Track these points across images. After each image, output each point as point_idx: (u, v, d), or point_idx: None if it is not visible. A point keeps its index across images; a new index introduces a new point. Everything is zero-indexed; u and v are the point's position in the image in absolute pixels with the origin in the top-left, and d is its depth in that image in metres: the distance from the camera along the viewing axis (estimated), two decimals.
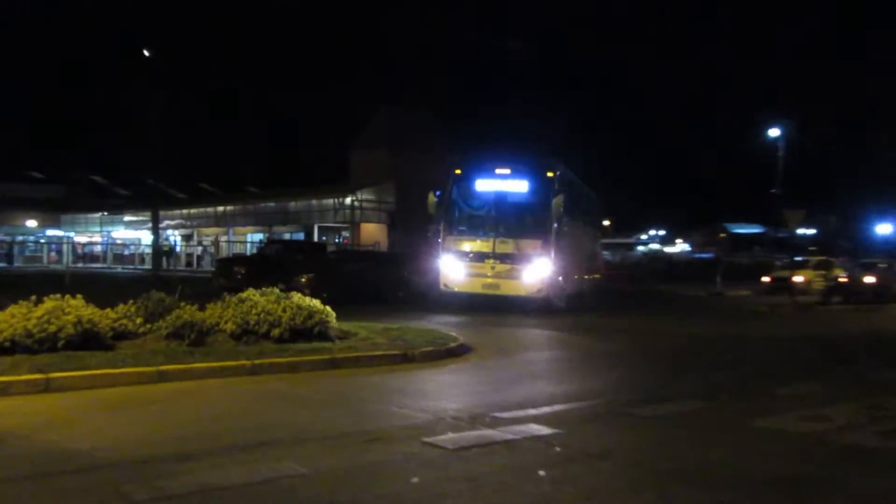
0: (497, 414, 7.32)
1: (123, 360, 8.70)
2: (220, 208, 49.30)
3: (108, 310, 9.97)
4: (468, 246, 19.41)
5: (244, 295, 11.19)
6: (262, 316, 10.50)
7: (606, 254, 56.77)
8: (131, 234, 54.88)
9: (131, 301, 10.73)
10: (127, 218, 54.64)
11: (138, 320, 10.13)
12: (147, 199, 38.28)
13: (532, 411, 7.49)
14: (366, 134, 44.98)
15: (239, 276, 20.77)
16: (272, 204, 46.85)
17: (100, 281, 28.52)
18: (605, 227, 27.40)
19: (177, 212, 51.97)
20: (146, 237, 50.89)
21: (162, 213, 40.73)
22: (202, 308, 10.78)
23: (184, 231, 52.46)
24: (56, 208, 56.98)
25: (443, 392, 8.81)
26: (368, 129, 45.17)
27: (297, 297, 11.13)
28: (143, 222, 50.84)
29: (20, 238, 53.48)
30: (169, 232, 51.44)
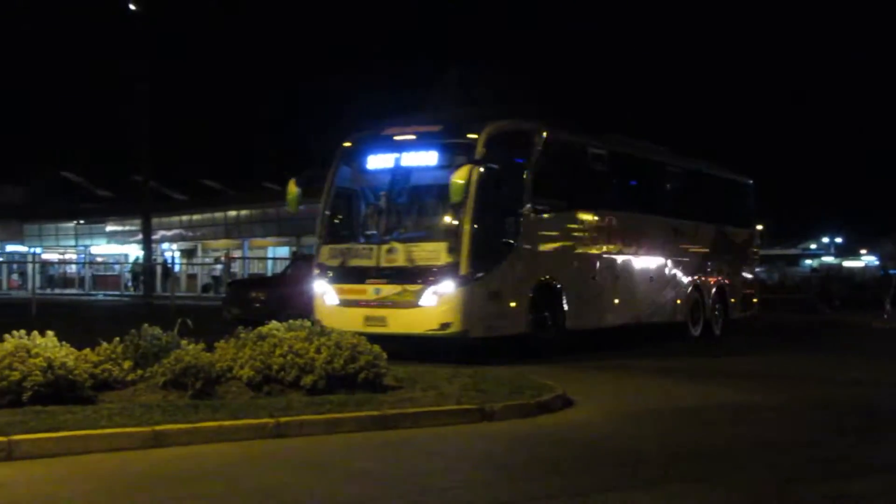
0: None
1: (108, 418, 8.91)
2: (233, 213, 50.11)
3: (86, 351, 10.24)
4: (344, 259, 16.74)
5: (265, 330, 11.36)
6: (288, 358, 10.65)
7: (760, 270, 55.78)
8: (115, 248, 56.25)
9: (117, 339, 10.99)
10: (109, 228, 55.94)
11: (126, 364, 10.37)
12: (135, 201, 39.15)
13: None
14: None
15: (257, 305, 21.10)
16: (301, 207, 47.42)
17: (76, 312, 29.39)
18: (754, 232, 26.67)
19: (175, 218, 53.00)
20: (135, 252, 52.04)
21: (156, 220, 41.54)
22: (210, 348, 10.98)
23: (184, 244, 53.56)
24: (17, 216, 58.44)
25: (534, 468, 8.76)
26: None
27: (336, 334, 11.25)
28: (131, 233, 51.94)
29: None
30: (164, 246, 52.57)
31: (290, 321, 11.83)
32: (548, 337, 16.92)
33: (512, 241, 16.14)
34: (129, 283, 52.11)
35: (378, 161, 16.93)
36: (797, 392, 13.69)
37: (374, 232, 16.35)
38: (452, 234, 15.38)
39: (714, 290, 22.76)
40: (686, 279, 21.67)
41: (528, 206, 16.46)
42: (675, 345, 20.55)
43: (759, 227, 27.11)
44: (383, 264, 15.91)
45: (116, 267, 54.28)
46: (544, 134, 17.41)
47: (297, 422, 9.43)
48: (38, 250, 57.47)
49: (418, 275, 15.45)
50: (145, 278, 44.97)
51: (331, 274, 16.71)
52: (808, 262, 71.18)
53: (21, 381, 9.22)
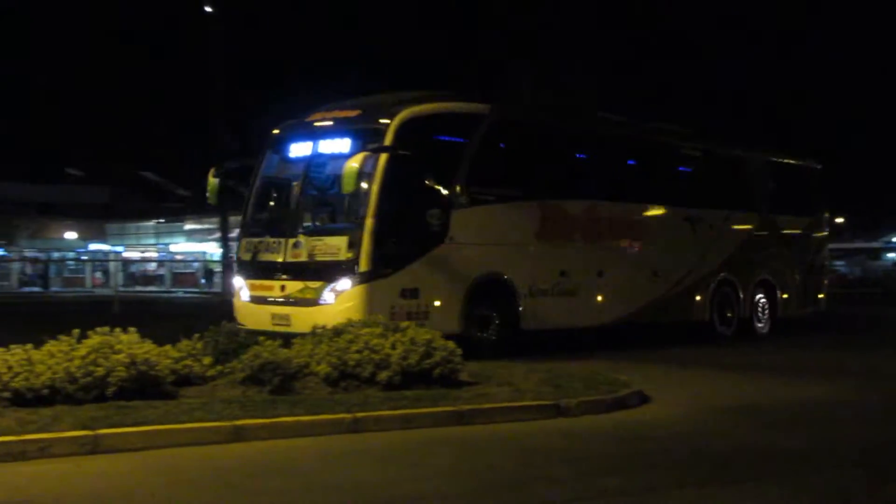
0: None
1: (190, 413, 9.11)
2: None
3: (167, 347, 10.44)
4: (255, 253, 15.71)
5: (341, 326, 11.48)
6: (364, 354, 10.74)
7: (841, 264, 54.55)
8: (194, 246, 57.12)
9: (197, 336, 11.21)
10: (188, 226, 56.83)
11: (206, 361, 10.56)
12: None
13: None
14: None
15: None
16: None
17: (156, 309, 29.96)
18: (819, 221, 23.55)
19: None
20: (213, 250, 52.80)
21: (233, 218, 42.03)
22: (287, 344, 11.13)
23: None
24: (99, 215, 59.70)
25: (610, 464, 8.72)
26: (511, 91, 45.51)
27: (411, 328, 11.33)
28: (209, 231, 52.71)
29: (57, 255, 56.43)
30: None
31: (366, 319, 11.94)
32: (491, 338, 15.37)
33: (438, 234, 14.68)
34: (202, 281, 52.86)
35: (297, 149, 15.82)
36: (867, 389, 13.38)
37: (286, 225, 15.36)
38: (355, 228, 14.08)
39: (755, 284, 20.60)
40: (707, 274, 19.45)
41: (463, 195, 15.03)
42: (706, 346, 18.62)
43: (840, 220, 25.55)
44: (289, 259, 14.90)
45: (195, 265, 55.06)
46: (488, 116, 15.89)
47: (374, 417, 9.52)
48: (120, 249, 58.53)
49: (320, 271, 14.36)
50: (220, 275, 45.66)
51: (245, 269, 15.95)
52: (893, 255, 69.14)
53: (105, 377, 9.45)
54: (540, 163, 16.81)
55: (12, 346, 9.76)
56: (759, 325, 20.97)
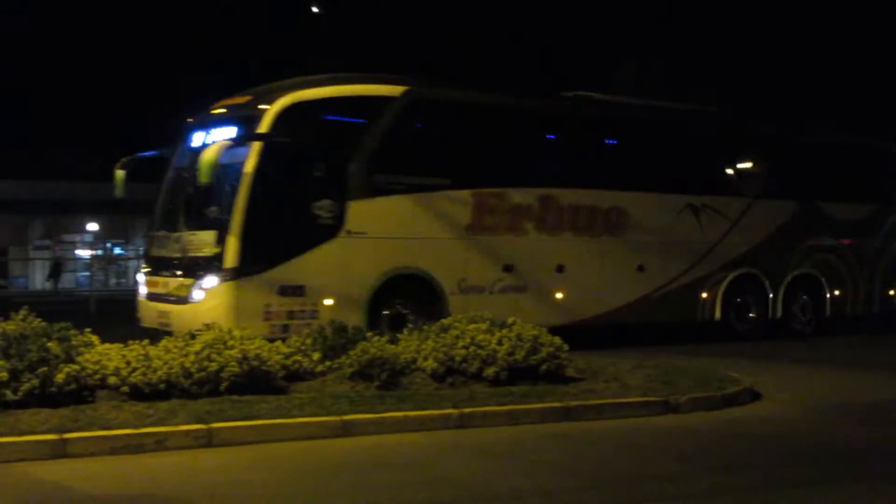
0: None
1: (300, 408, 9.29)
2: None
3: (278, 343, 10.64)
4: (150, 247, 15.22)
5: (448, 322, 11.54)
6: (471, 350, 10.78)
7: None
8: None
9: (306, 332, 11.40)
10: None
11: (315, 356, 10.73)
12: None
13: None
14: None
15: None
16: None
17: None
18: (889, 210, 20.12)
19: None
20: None
21: None
22: (394, 339, 11.25)
23: None
24: None
25: (720, 461, 8.59)
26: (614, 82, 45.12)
27: (517, 325, 11.33)
28: None
29: None
30: None
31: (472, 313, 11.97)
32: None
33: (330, 227, 13.57)
34: None
35: (195, 139, 14.56)
36: None
37: (175, 219, 14.66)
38: (224, 221, 13.14)
39: (791, 280, 18.12)
40: (718, 268, 17.34)
41: (364, 185, 13.85)
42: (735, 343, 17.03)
43: None
44: (172, 255, 14.22)
45: None
46: (400, 98, 14.32)
47: (481, 413, 9.56)
48: None
49: (192, 267, 13.54)
50: None
51: (144, 264, 15.46)
52: None
53: (218, 372, 9.69)
54: (473, 148, 15.09)
55: (131, 343, 10.09)
56: (798, 325, 18.50)
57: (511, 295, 14.84)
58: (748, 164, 17.95)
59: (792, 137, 19.21)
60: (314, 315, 13.18)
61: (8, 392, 8.83)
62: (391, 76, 14.50)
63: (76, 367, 9.25)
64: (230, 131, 13.53)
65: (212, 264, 12.90)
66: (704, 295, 17.09)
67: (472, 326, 11.23)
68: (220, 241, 12.85)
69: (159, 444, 8.28)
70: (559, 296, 15.38)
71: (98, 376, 9.42)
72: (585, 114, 16.60)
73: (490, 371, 10.66)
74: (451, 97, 14.96)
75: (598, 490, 7.21)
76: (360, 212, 13.67)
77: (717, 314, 17.21)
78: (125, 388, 9.42)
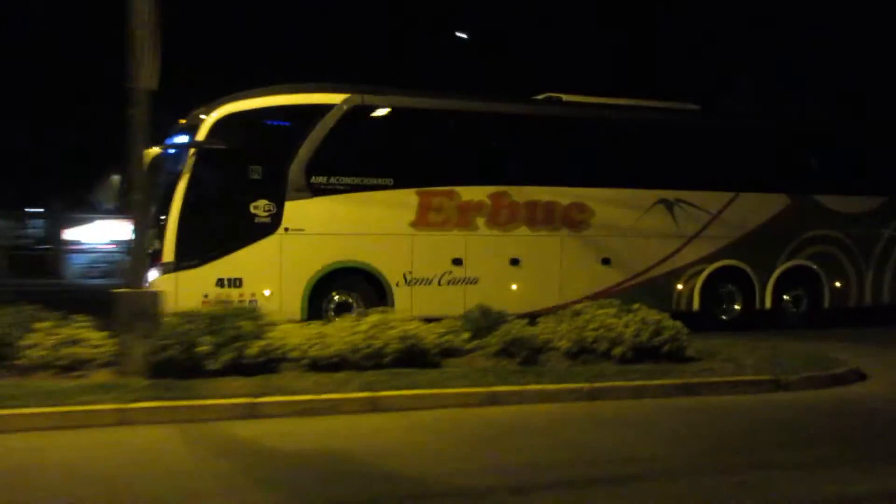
0: None
1: (452, 380, 9.49)
2: None
3: (433, 324, 10.86)
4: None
5: (580, 308, 11.56)
6: (600, 332, 10.78)
7: None
8: None
9: (457, 315, 11.59)
10: None
11: (465, 336, 10.89)
12: None
13: None
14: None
15: None
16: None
17: None
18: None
19: None
20: None
21: None
22: (533, 322, 11.34)
23: None
24: None
25: (825, 434, 8.38)
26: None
27: (642, 309, 11.27)
28: None
29: None
30: None
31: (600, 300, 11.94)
32: None
33: (267, 224, 12.93)
34: None
35: (171, 145, 13.80)
36: None
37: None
38: (163, 221, 12.74)
39: (783, 272, 16.09)
40: (696, 261, 15.56)
41: (302, 185, 13.16)
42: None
43: None
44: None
45: None
46: (341, 105, 13.47)
47: (609, 387, 9.58)
48: None
49: (147, 262, 12.51)
50: None
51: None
52: None
53: (382, 348, 9.97)
54: (417, 149, 14.21)
55: (311, 322, 10.46)
56: (786, 316, 16.38)
57: (461, 286, 14.00)
58: (730, 160, 16.06)
59: (780, 131, 17.10)
60: (253, 304, 12.51)
61: (210, 362, 9.33)
62: (333, 84, 13.70)
63: (265, 342, 9.68)
64: (182, 139, 13.20)
65: (155, 259, 12.58)
66: (680, 286, 15.47)
67: (601, 311, 11.21)
68: (161, 238, 12.57)
69: (333, 408, 8.60)
70: (514, 287, 14.30)
71: (282, 351, 9.83)
72: (540, 114, 15.15)
73: (618, 350, 10.65)
74: (391, 103, 13.96)
75: (716, 457, 7.17)
76: (298, 210, 13.08)
77: (696, 305, 15.52)
78: (305, 361, 9.80)
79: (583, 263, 14.73)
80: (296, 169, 13.07)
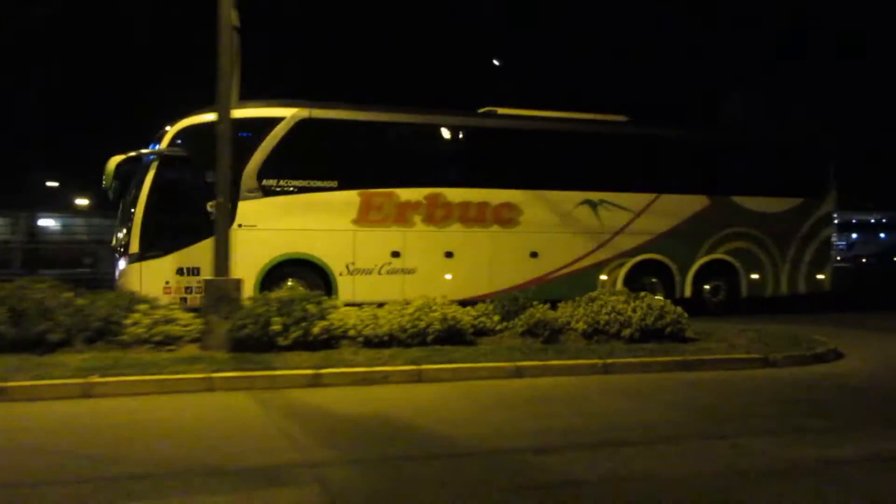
0: None
1: (484, 356, 9.48)
2: None
3: (468, 308, 10.86)
4: None
5: (594, 294, 11.50)
6: (612, 316, 10.73)
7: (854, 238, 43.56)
8: None
9: (489, 300, 11.58)
10: None
11: (495, 318, 10.88)
12: None
13: None
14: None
15: None
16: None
17: None
18: (828, 202, 16.67)
19: None
20: None
21: None
22: (553, 307, 11.30)
23: None
24: None
25: (807, 405, 8.25)
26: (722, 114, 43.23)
27: (648, 297, 11.19)
28: None
29: None
30: None
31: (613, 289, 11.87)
32: None
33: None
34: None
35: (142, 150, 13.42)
36: None
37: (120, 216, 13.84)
38: (131, 218, 12.69)
39: (702, 265, 15.50)
40: (618, 255, 14.99)
41: (253, 187, 12.93)
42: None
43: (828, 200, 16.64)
44: (116, 243, 13.67)
45: None
46: (289, 118, 13.22)
47: (620, 363, 9.51)
48: None
49: (120, 253, 13.08)
50: None
51: None
52: None
53: (426, 328, 9.99)
54: (359, 156, 13.88)
55: (364, 306, 10.51)
56: (706, 304, 15.58)
57: (400, 276, 13.70)
58: (652, 165, 15.56)
59: (700, 140, 16.48)
60: None
61: (280, 339, 9.40)
62: (283, 101, 13.47)
63: (327, 322, 9.74)
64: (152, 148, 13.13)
65: (123, 250, 12.70)
66: (604, 277, 14.91)
67: (612, 298, 11.14)
68: (129, 233, 12.59)
69: (384, 378, 8.63)
70: (449, 277, 13.93)
71: (341, 330, 9.88)
72: (471, 125, 14.74)
73: (626, 332, 10.59)
74: (335, 116, 13.69)
75: (712, 423, 7.11)
76: (251, 209, 12.92)
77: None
78: (360, 339, 9.85)
79: (512, 256, 14.33)
80: (248, 173, 12.90)
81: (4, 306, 9.28)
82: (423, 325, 10.01)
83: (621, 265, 15.07)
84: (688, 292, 15.35)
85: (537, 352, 9.83)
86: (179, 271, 12.57)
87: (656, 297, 11.24)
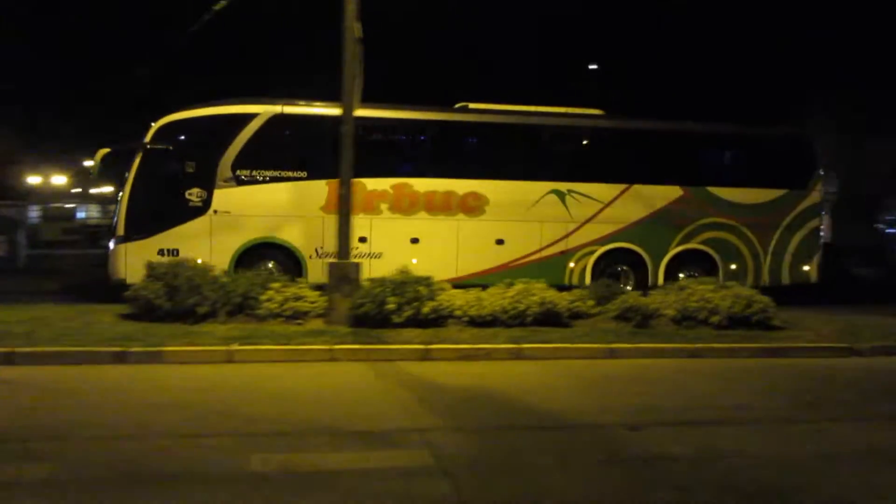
0: None
1: (579, 337, 9.37)
2: None
3: (564, 293, 10.76)
4: None
5: (683, 283, 11.18)
6: (700, 303, 10.40)
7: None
8: None
9: (585, 285, 11.44)
10: None
11: (590, 303, 10.73)
12: None
13: None
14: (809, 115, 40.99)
15: None
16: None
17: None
18: (813, 192, 14.74)
19: None
20: None
21: None
22: (645, 294, 11.05)
23: None
24: None
25: (891, 392, 7.79)
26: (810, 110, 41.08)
27: (736, 286, 10.79)
28: None
29: None
30: None
31: (701, 277, 11.51)
32: None
33: (199, 207, 12.70)
34: None
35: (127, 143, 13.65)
36: None
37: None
38: (120, 203, 12.76)
39: (676, 255, 14.17)
40: (588, 243, 13.84)
41: (228, 177, 12.73)
42: None
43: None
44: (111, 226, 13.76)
45: None
46: (260, 114, 13.00)
47: (708, 348, 9.22)
48: None
49: (110, 234, 13.21)
50: None
51: None
52: None
53: (525, 311, 9.95)
54: (327, 148, 12.92)
55: (469, 289, 10.56)
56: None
57: (367, 259, 13.10)
58: (621, 156, 14.27)
59: (673, 132, 14.93)
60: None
61: (394, 317, 9.56)
62: (256, 98, 13.30)
63: (436, 303, 9.83)
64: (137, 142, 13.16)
65: (112, 233, 12.82)
66: (572, 265, 13.81)
67: (701, 287, 10.80)
68: (116, 216, 12.74)
69: (487, 355, 8.65)
70: (414, 262, 12.94)
71: (448, 310, 9.95)
72: (436, 119, 14.05)
73: (715, 319, 10.24)
74: (304, 111, 13.37)
75: (798, 407, 6.83)
76: (225, 196, 12.75)
77: (588, 280, 13.67)
78: (465, 319, 9.91)
79: (478, 243, 13.49)
80: (224, 164, 12.81)
81: (161, 282, 9.80)
82: (522, 307, 9.97)
83: (591, 253, 13.95)
84: (661, 280, 14.02)
85: (629, 335, 9.65)
86: (160, 252, 12.53)
87: (742, 286, 10.77)
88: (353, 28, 9.96)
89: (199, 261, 11.90)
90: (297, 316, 9.80)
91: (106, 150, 12.90)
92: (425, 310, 9.68)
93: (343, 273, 9.93)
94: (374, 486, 4.61)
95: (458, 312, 9.95)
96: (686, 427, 6.02)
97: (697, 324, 10.32)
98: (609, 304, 10.64)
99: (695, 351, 9.12)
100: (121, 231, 12.57)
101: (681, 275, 14.18)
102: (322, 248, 13.09)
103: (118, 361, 7.93)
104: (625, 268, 14.15)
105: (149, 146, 12.60)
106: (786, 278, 14.80)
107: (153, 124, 12.90)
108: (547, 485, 4.70)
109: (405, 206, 13.52)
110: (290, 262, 12.94)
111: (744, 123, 15.34)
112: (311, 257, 13.03)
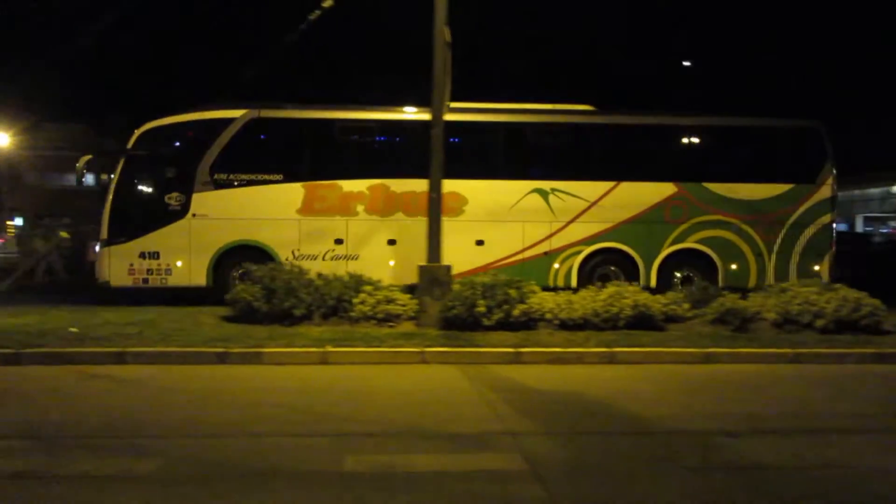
0: None
1: (674, 341, 9.17)
2: None
3: (658, 296, 10.54)
4: None
5: (786, 285, 10.77)
6: (804, 306, 10.00)
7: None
8: None
9: (679, 288, 11.15)
10: None
11: (685, 306, 10.49)
12: None
13: None
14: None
15: None
16: None
17: None
18: (822, 187, 13.40)
19: None
20: None
21: None
22: (744, 297, 10.70)
23: None
24: None
25: None
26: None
27: (843, 288, 10.30)
28: None
29: None
30: None
31: (804, 279, 11.04)
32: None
33: (178, 211, 12.86)
34: None
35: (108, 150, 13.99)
36: None
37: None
38: (104, 207, 12.90)
39: (670, 255, 13.40)
40: (574, 243, 13.30)
41: (206, 181, 12.85)
42: None
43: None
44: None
45: None
46: (239, 119, 13.01)
47: (812, 353, 8.86)
48: None
49: (95, 238, 13.41)
50: None
51: None
52: None
53: (617, 314, 9.82)
54: (303, 151, 13.31)
55: (559, 291, 10.47)
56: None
57: (344, 261, 13.04)
58: (609, 153, 13.58)
59: (665, 126, 14.05)
60: (169, 272, 12.90)
61: (485, 319, 9.61)
62: (234, 103, 13.31)
63: (526, 306, 9.82)
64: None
65: (98, 237, 13.02)
66: (557, 266, 13.34)
67: (804, 289, 10.39)
68: (101, 221, 12.87)
69: (578, 359, 8.58)
70: (392, 263, 13.11)
71: (539, 313, 9.93)
72: (412, 120, 13.58)
73: (819, 322, 9.84)
74: (281, 115, 13.37)
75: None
76: (204, 200, 12.91)
77: (574, 282, 13.29)
78: (556, 322, 9.86)
79: (457, 244, 12.88)
80: (202, 168, 12.96)
81: (259, 285, 10.18)
82: (615, 310, 9.84)
83: (577, 253, 13.44)
84: (653, 282, 13.39)
85: (727, 339, 9.37)
86: (142, 255, 12.89)
87: (850, 289, 10.27)
88: (443, 32, 10.08)
89: (179, 263, 12.77)
90: (389, 318, 9.98)
91: (88, 157, 13.31)
92: (515, 312, 9.69)
93: (433, 276, 10.05)
94: (466, 488, 4.66)
95: (548, 315, 9.91)
96: (785, 435, 5.80)
97: (800, 328, 9.94)
98: (706, 308, 10.36)
99: (798, 356, 8.77)
100: (104, 235, 12.91)
101: (677, 274, 13.58)
102: (298, 250, 13.18)
103: (220, 361, 8.29)
104: (613, 268, 13.58)
105: (130, 152, 12.91)
106: (794, 278, 13.53)
107: (136, 131, 13.20)
108: (638, 490, 4.64)
109: (382, 207, 13.37)
110: (268, 262, 12.70)
111: (743, 115, 14.38)
112: (287, 259, 12.99)
